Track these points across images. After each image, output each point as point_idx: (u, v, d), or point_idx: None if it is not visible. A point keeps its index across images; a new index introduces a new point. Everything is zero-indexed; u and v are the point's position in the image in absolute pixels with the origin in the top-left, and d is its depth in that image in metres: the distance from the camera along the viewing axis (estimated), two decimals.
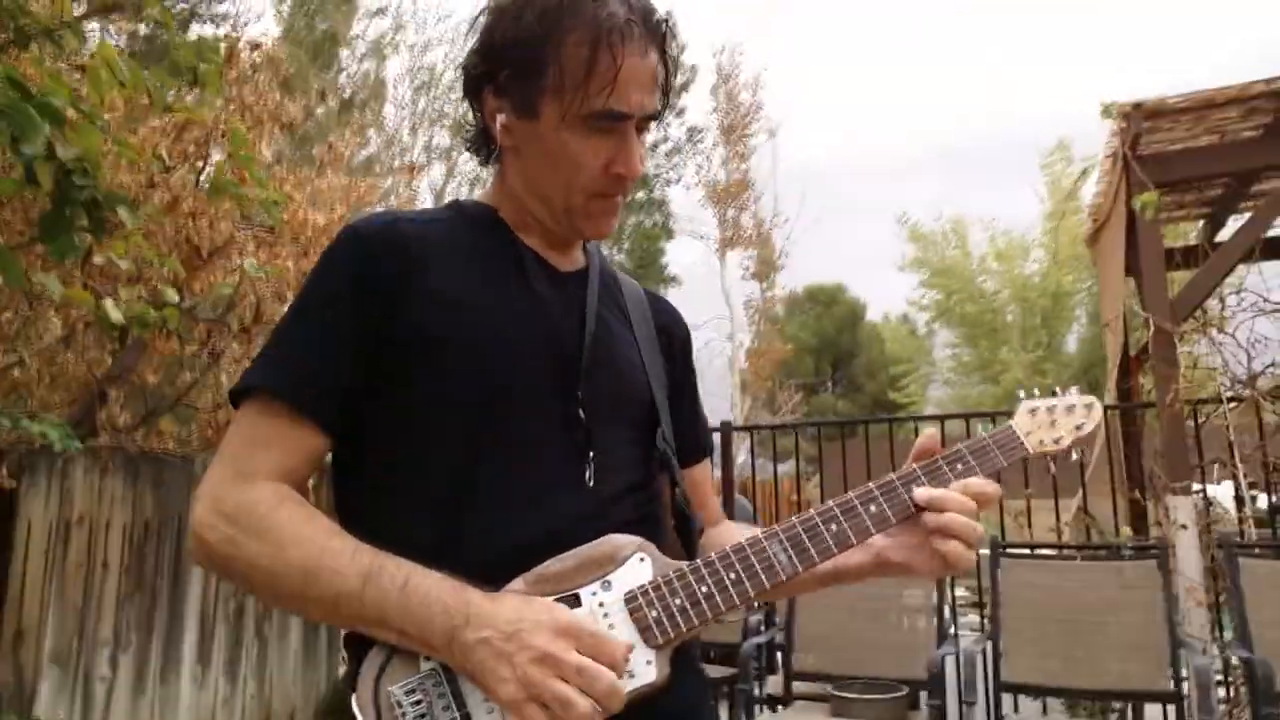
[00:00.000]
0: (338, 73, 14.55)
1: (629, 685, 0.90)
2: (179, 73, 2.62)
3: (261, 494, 0.93)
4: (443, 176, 11.66)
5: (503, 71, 1.02)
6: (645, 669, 0.92)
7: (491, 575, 0.91)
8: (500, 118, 1.03)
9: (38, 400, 3.49)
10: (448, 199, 1.51)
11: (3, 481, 3.32)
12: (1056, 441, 1.14)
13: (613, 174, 1.02)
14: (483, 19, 1.05)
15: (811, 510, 1.03)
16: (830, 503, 1.05)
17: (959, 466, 1.06)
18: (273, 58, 4.68)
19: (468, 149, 1.14)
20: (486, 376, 0.98)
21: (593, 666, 0.85)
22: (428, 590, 0.88)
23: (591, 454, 1.01)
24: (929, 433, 1.11)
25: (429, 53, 13.01)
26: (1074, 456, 1.17)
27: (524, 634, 0.85)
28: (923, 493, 1.02)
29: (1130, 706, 3.60)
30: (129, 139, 3.05)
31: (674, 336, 1.24)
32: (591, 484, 1.00)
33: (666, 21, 1.02)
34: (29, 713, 3.62)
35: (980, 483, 1.04)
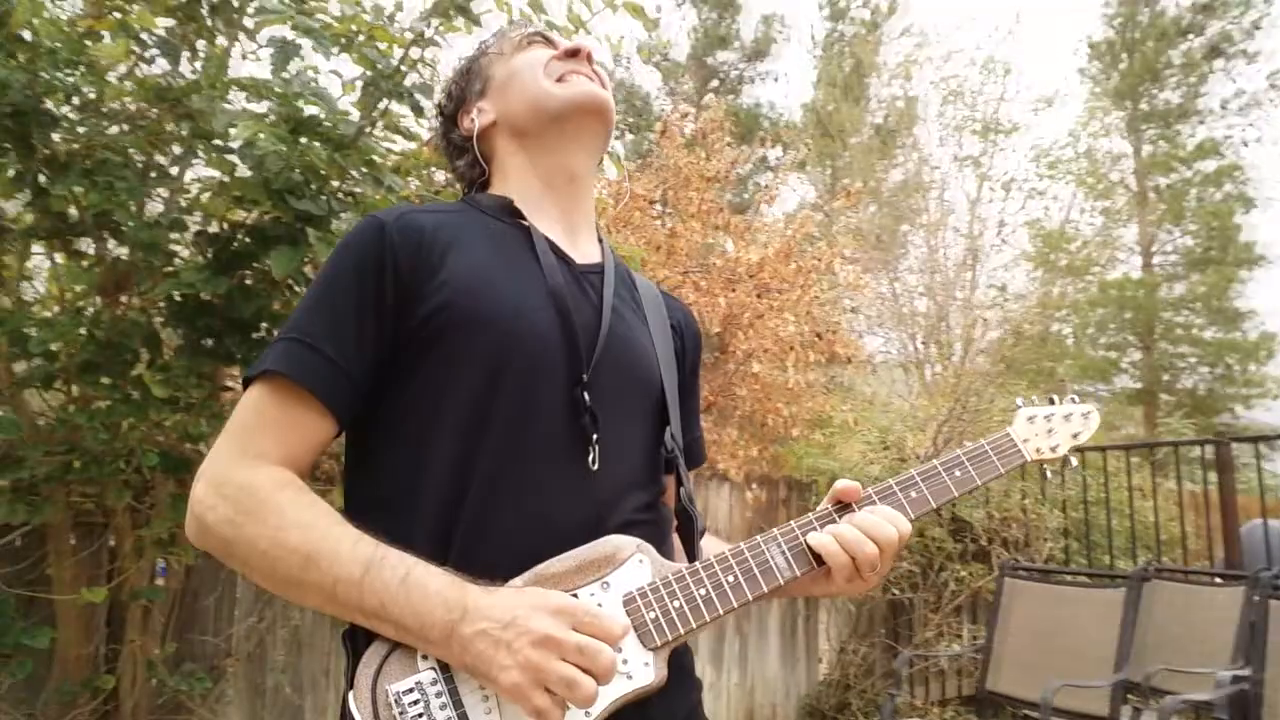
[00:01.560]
0: (866, 103, 15.17)
1: (627, 687, 0.90)
2: None
3: (264, 477, 0.93)
4: (975, 185, 11.39)
5: (461, 91, 1.25)
6: (643, 670, 0.92)
7: (491, 559, 0.93)
8: (475, 112, 1.22)
9: None
10: None
11: None
12: (1054, 449, 1.14)
13: (560, 54, 1.19)
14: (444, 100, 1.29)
15: (810, 514, 1.04)
16: (828, 506, 1.06)
17: (952, 474, 1.09)
18: (713, 120, 5.49)
19: (461, 176, 1.26)
20: (499, 363, 0.99)
21: (592, 644, 0.85)
22: (428, 584, 0.88)
23: (595, 436, 1.01)
24: (844, 487, 1.07)
25: (950, 62, 12.95)
26: (1073, 463, 1.15)
27: (522, 619, 0.85)
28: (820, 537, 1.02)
29: None
30: None
31: (686, 337, 1.25)
32: (595, 468, 1.01)
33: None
34: None
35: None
